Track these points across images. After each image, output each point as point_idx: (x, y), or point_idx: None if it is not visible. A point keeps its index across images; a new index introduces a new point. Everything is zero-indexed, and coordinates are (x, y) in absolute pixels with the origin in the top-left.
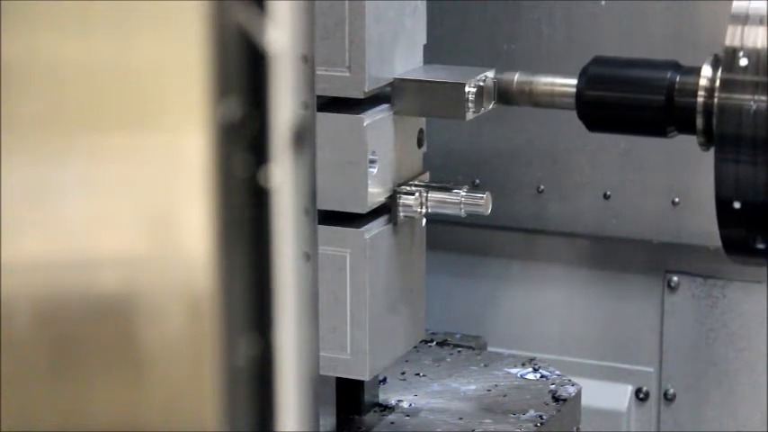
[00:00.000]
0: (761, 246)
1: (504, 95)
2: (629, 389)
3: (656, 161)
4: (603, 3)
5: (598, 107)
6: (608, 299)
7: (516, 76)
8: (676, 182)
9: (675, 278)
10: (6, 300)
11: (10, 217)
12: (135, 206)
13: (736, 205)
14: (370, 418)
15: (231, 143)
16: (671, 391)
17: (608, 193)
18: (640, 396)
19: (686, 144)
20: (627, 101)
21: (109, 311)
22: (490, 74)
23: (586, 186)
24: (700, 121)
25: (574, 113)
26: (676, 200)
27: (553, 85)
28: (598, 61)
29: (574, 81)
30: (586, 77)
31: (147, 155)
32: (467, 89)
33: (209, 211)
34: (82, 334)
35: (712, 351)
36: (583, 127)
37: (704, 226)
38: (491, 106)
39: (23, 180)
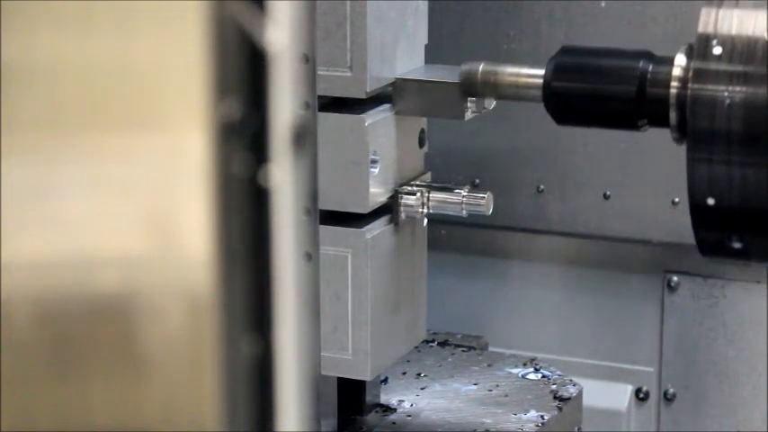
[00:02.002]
0: (737, 245)
1: (468, 87)
2: (629, 389)
3: (656, 161)
4: (603, 4)
5: (565, 99)
6: (608, 299)
7: (481, 67)
8: (676, 182)
9: (675, 278)
10: (6, 300)
11: (10, 217)
12: (135, 206)
13: (710, 202)
14: (371, 418)
15: (231, 143)
16: (671, 391)
17: (608, 193)
18: (640, 396)
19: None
20: (596, 92)
21: (109, 311)
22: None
23: (586, 186)
24: (673, 115)
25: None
26: (676, 200)
27: (518, 75)
28: (566, 51)
29: (541, 71)
30: (553, 67)
31: (147, 155)
32: None
33: (209, 212)
34: (82, 334)
35: (712, 351)
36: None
37: None
38: (491, 106)
39: (23, 180)
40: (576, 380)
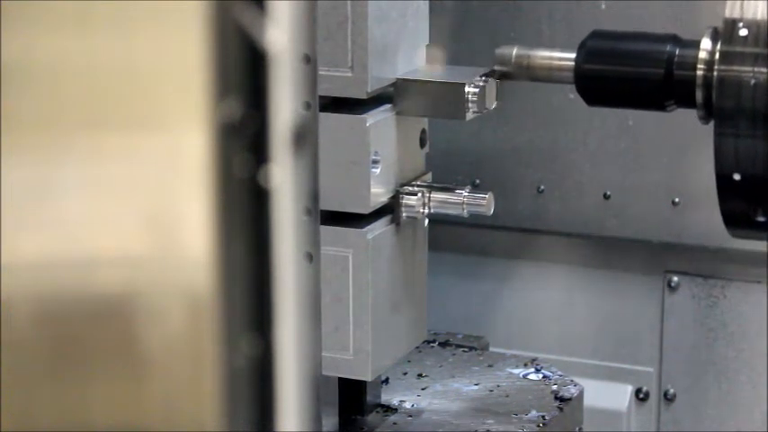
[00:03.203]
0: (761, 219)
1: (502, 70)
2: (629, 389)
3: (656, 161)
4: (603, 5)
5: (596, 81)
6: (608, 299)
7: (515, 51)
8: (676, 182)
9: (675, 278)
10: (6, 300)
11: (10, 217)
12: (135, 206)
13: (736, 177)
14: (372, 418)
15: (231, 143)
16: (671, 391)
17: (608, 193)
18: (640, 396)
19: (686, 144)
20: (626, 74)
21: (109, 311)
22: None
23: (586, 186)
24: (699, 95)
25: (573, 114)
26: (676, 200)
27: (551, 58)
28: (597, 35)
29: (572, 55)
30: (585, 51)
31: (147, 155)
32: (467, 89)
33: (209, 211)
34: (82, 334)
35: (712, 351)
36: (583, 127)
37: (704, 226)
38: (492, 106)
39: (23, 180)
40: (575, 380)
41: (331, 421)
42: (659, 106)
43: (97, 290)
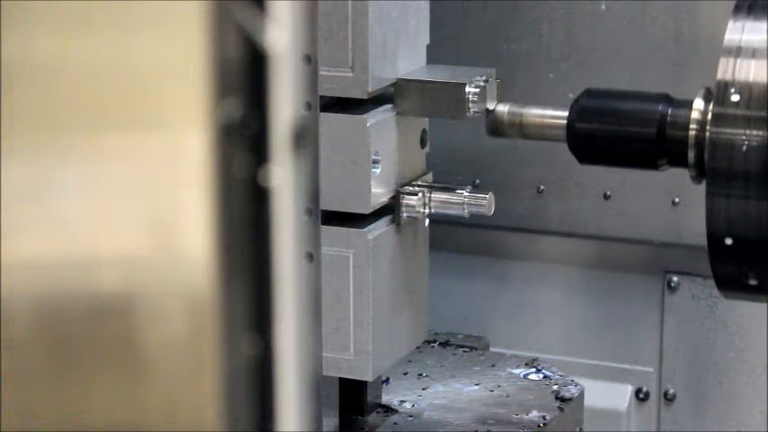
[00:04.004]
0: (754, 282)
1: (494, 127)
2: (629, 389)
3: None
4: (603, 6)
5: (589, 140)
6: (608, 299)
7: (507, 108)
8: (676, 182)
9: (675, 278)
10: (6, 300)
11: (10, 217)
12: (135, 206)
13: (728, 241)
14: (373, 418)
15: (231, 143)
16: (671, 391)
17: (608, 193)
18: (640, 396)
19: None
20: (618, 133)
21: (109, 311)
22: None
23: (586, 186)
24: (691, 155)
25: None
26: (676, 200)
27: (543, 117)
28: (589, 93)
29: (565, 113)
30: (577, 110)
31: (147, 155)
32: (467, 89)
33: (209, 211)
34: (82, 334)
35: (712, 351)
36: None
37: (704, 226)
38: (493, 106)
39: (23, 180)
40: (575, 380)
41: (331, 421)
42: (652, 165)
43: (97, 290)
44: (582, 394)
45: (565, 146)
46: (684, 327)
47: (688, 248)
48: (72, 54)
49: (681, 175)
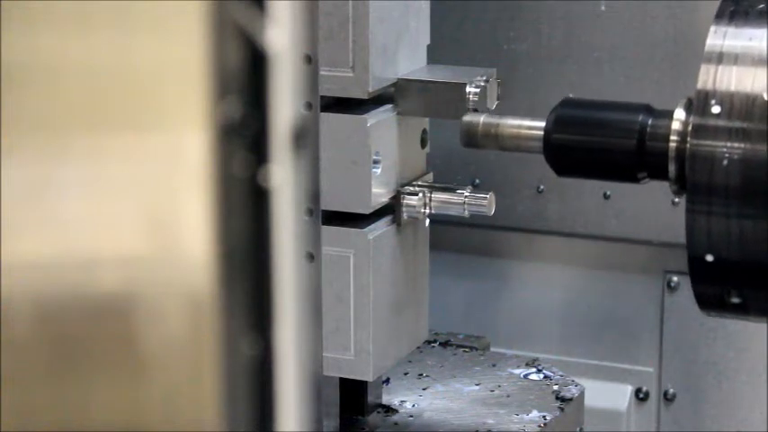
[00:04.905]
0: (736, 300)
1: (469, 138)
2: (629, 389)
3: None
4: (603, 7)
5: (566, 151)
6: (608, 299)
7: (482, 119)
8: None
9: (675, 278)
10: (6, 300)
11: (10, 217)
12: (135, 206)
13: (709, 258)
14: (373, 418)
15: (231, 143)
16: (671, 391)
17: (608, 193)
18: (640, 396)
19: None
20: (596, 145)
21: (109, 311)
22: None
23: (586, 186)
24: (672, 168)
25: None
26: (676, 200)
27: (520, 127)
28: (567, 103)
29: (541, 123)
30: (554, 120)
31: (147, 155)
32: (468, 89)
33: (209, 212)
34: (82, 334)
35: (712, 351)
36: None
37: None
38: (494, 106)
39: (23, 180)
40: (575, 380)
41: (332, 421)
42: (632, 178)
43: (97, 290)
44: (582, 394)
45: None
46: (684, 327)
47: None
48: (72, 54)
49: None
